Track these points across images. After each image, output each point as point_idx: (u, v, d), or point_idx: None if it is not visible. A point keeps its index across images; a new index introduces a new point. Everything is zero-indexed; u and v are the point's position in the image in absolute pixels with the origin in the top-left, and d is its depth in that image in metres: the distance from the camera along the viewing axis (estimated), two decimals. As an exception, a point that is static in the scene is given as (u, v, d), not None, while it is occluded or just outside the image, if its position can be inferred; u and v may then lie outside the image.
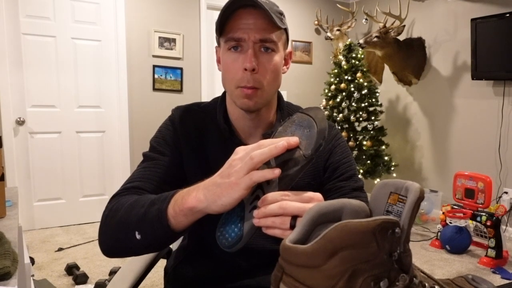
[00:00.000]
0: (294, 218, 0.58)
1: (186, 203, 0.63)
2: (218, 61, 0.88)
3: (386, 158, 3.65)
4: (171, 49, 3.68)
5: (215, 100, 0.94)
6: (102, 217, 0.75)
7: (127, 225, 0.69)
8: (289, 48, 0.90)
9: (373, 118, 3.70)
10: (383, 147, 3.68)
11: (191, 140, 0.88)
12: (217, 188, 0.60)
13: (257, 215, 0.59)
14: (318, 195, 0.62)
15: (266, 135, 0.86)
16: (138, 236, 0.67)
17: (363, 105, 3.64)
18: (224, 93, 0.92)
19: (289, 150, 0.61)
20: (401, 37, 3.75)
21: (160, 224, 0.65)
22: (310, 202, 0.60)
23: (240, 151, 0.61)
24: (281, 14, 0.82)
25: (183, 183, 0.72)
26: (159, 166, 0.84)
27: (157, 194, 0.69)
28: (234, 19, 0.78)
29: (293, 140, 0.60)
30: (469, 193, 2.82)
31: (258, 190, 0.62)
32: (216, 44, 0.90)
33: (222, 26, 0.79)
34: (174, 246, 1.11)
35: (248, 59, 0.77)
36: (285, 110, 0.92)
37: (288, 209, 0.58)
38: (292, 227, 0.58)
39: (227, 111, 0.90)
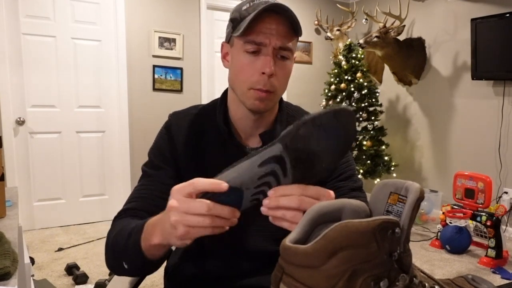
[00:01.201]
0: None
1: (151, 240, 0.65)
2: (224, 57, 0.88)
3: (386, 158, 3.65)
4: (171, 49, 3.68)
5: (214, 101, 0.94)
6: (106, 240, 0.80)
7: (115, 255, 0.74)
8: None
9: (373, 118, 3.70)
10: (383, 147, 3.69)
11: (188, 146, 0.88)
12: (169, 233, 0.60)
13: (267, 205, 0.57)
14: (332, 194, 0.60)
15: (264, 135, 0.87)
16: (125, 266, 0.72)
17: (363, 105, 3.64)
18: (223, 94, 0.92)
19: (310, 163, 0.56)
20: (401, 37, 3.75)
21: (138, 257, 0.68)
22: (325, 198, 0.58)
23: (174, 193, 0.58)
24: (298, 21, 0.83)
25: None
26: (155, 183, 0.86)
27: (153, 213, 0.69)
28: (257, 21, 0.77)
29: (223, 187, 0.54)
30: (469, 193, 2.82)
31: (270, 176, 0.56)
32: (219, 44, 0.90)
33: (245, 27, 0.77)
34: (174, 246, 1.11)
35: (268, 64, 0.78)
36: (284, 110, 0.92)
37: (304, 206, 0.55)
38: None
39: (228, 111, 0.90)
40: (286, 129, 0.54)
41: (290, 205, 0.56)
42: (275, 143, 0.54)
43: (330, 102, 3.75)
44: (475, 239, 2.96)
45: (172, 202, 0.56)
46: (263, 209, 0.58)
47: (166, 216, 0.58)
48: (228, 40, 0.86)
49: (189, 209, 0.55)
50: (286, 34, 0.79)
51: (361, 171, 3.54)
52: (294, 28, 0.79)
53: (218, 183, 0.53)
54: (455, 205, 2.94)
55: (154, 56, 3.62)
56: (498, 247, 2.66)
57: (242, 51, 0.80)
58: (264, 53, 0.79)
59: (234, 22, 0.81)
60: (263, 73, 0.78)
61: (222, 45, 0.89)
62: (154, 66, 3.62)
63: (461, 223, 2.84)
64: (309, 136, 0.54)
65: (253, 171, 0.54)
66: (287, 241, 0.42)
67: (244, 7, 0.80)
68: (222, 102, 0.91)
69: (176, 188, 0.57)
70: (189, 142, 0.88)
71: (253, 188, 0.56)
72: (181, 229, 0.56)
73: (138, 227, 0.69)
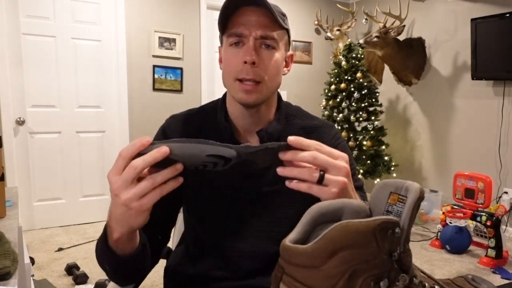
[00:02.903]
0: (322, 174, 0.58)
1: (112, 237, 0.65)
2: (220, 61, 0.89)
3: (386, 158, 3.65)
4: (171, 49, 3.68)
5: (215, 102, 0.94)
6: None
7: (98, 260, 0.74)
8: (290, 51, 0.90)
9: (373, 118, 3.70)
10: (383, 147, 3.68)
11: None
12: (126, 218, 0.60)
13: (283, 156, 0.58)
14: (345, 156, 0.62)
15: (261, 132, 0.87)
16: (107, 268, 0.73)
17: (363, 105, 3.64)
18: (224, 94, 0.93)
19: (247, 167, 0.61)
20: (401, 37, 3.75)
21: (112, 257, 0.68)
22: (339, 159, 0.60)
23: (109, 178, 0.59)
24: (284, 15, 0.84)
25: (178, 196, 0.73)
26: None
27: (149, 225, 0.68)
28: (236, 15, 0.79)
29: (144, 143, 0.57)
30: (469, 193, 2.82)
31: (210, 164, 0.59)
32: (219, 44, 0.91)
33: (225, 22, 0.81)
34: (174, 246, 1.11)
35: (249, 52, 0.78)
36: (283, 108, 0.92)
37: (319, 162, 0.57)
38: (319, 182, 0.58)
39: (228, 110, 0.90)
40: (247, 145, 0.58)
41: (306, 158, 0.58)
42: (232, 148, 0.57)
43: (330, 102, 3.75)
44: (475, 239, 2.96)
45: (112, 187, 0.57)
46: (279, 170, 0.59)
47: (115, 203, 0.58)
48: (221, 42, 0.88)
49: (127, 180, 0.56)
50: (268, 25, 0.79)
51: (361, 171, 3.54)
52: (276, 19, 0.79)
53: (139, 142, 0.56)
54: (455, 205, 2.94)
55: (154, 56, 3.62)
56: (498, 247, 2.66)
57: (227, 46, 0.83)
58: (245, 44, 0.80)
59: (219, 20, 0.83)
60: (245, 62, 0.79)
61: (219, 49, 0.91)
62: (154, 66, 3.62)
63: (461, 223, 2.83)
64: (262, 156, 0.59)
65: (199, 157, 0.57)
66: (287, 241, 0.42)
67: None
68: (223, 102, 0.91)
69: (109, 174, 0.58)
70: None
71: (187, 165, 0.59)
72: (133, 204, 0.56)
73: (105, 227, 0.69)
